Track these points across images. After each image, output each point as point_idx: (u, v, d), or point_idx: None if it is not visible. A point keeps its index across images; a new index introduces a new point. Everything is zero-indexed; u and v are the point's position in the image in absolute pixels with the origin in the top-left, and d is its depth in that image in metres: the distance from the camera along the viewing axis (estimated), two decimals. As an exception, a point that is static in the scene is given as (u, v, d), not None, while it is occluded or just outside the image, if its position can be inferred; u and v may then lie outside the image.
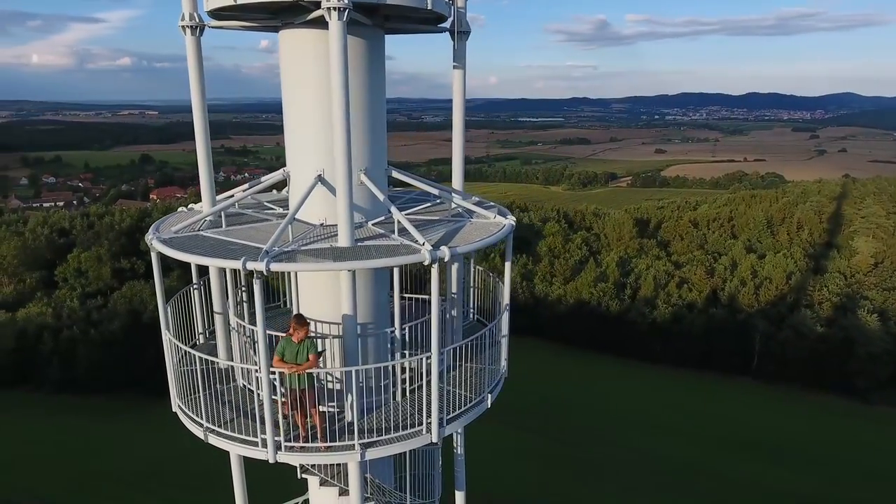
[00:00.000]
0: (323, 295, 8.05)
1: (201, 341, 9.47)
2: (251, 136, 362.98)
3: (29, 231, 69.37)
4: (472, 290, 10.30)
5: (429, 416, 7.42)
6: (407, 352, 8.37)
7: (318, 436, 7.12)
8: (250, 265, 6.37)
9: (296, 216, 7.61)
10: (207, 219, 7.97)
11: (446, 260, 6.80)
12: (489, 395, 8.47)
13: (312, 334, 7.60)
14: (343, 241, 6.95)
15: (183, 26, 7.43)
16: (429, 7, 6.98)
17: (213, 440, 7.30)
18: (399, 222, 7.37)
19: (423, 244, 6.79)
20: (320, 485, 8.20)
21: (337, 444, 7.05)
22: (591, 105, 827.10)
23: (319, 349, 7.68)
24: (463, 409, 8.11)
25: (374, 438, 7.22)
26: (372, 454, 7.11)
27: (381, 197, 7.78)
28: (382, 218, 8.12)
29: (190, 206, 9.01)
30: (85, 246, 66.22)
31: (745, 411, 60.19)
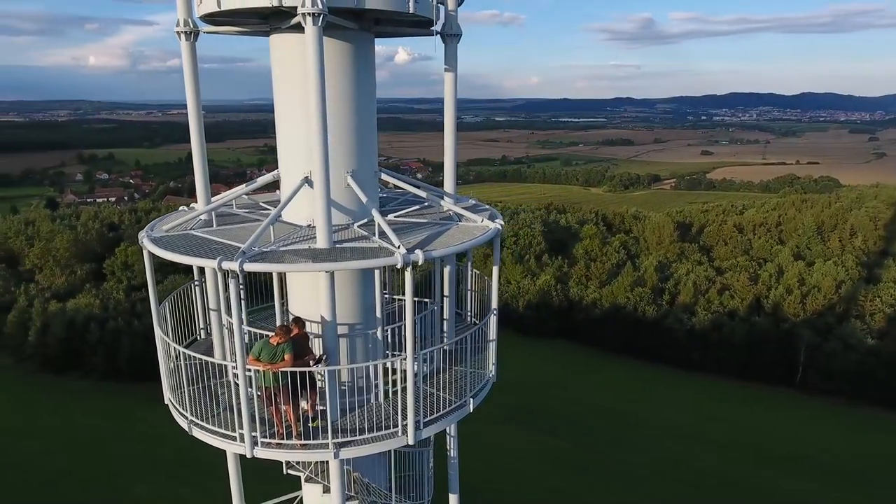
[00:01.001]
0: (311, 295, 8.18)
1: (203, 336, 9.75)
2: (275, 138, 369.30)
3: (81, 225, 72.79)
4: (469, 293, 10.24)
5: (415, 416, 7.42)
6: (389, 353, 8.42)
7: (293, 433, 7.23)
8: (225, 265, 6.52)
9: (284, 218, 7.76)
10: (202, 217, 8.20)
11: (420, 263, 6.80)
12: (471, 400, 8.37)
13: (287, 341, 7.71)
14: (321, 242, 7.04)
15: (178, 32, 7.67)
16: (410, 11, 7.00)
17: (197, 433, 7.52)
18: (379, 225, 7.42)
19: (399, 247, 6.81)
20: (305, 481, 8.33)
21: (311, 441, 7.15)
22: (634, 105, 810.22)
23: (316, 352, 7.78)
24: (442, 412, 8.08)
25: (349, 438, 7.28)
26: (346, 453, 7.17)
27: (363, 199, 7.83)
28: (367, 220, 8.18)
29: (192, 205, 9.27)
30: (132, 240, 69.05)
31: (785, 423, 57.86)
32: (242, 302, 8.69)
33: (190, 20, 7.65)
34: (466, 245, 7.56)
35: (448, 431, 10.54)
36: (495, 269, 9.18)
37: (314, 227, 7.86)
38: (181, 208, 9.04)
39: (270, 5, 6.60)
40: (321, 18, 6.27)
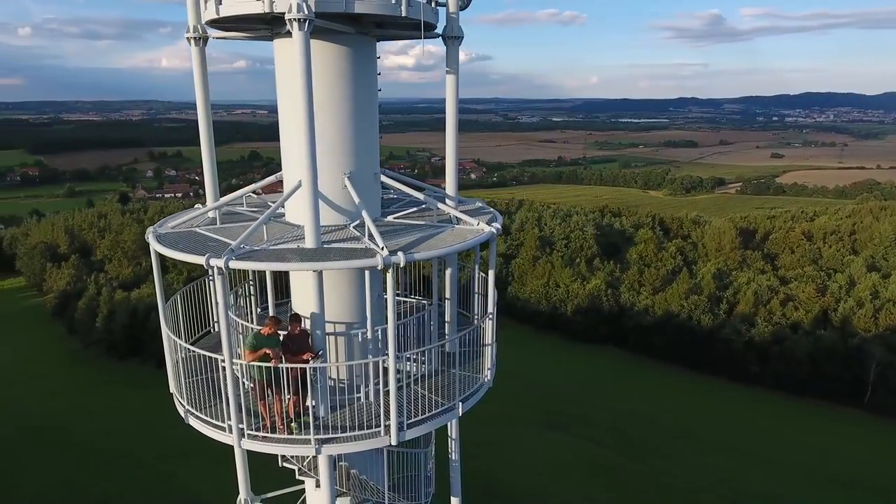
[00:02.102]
0: (312, 293, 8.31)
1: (215, 329, 10.10)
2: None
3: (148, 219, 77.10)
4: (475, 296, 10.14)
5: (398, 417, 7.43)
6: (377, 352, 8.44)
7: (278, 427, 7.39)
8: (213, 261, 6.73)
9: (287, 218, 7.93)
10: (209, 216, 8.51)
11: (402, 265, 6.79)
12: (460, 404, 8.28)
13: (278, 332, 7.88)
14: (309, 242, 7.15)
15: (188, 38, 7.97)
16: (403, 14, 7.01)
17: (192, 422, 7.82)
18: (368, 227, 7.46)
19: (382, 248, 6.83)
20: (298, 475, 8.50)
21: (294, 436, 7.27)
22: (700, 105, 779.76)
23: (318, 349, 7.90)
24: (428, 414, 8.05)
25: (331, 435, 7.37)
26: (329, 450, 7.26)
27: (358, 201, 7.89)
28: (358, 221, 8.24)
29: (196, 205, 9.64)
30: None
31: (847, 445, 54.25)
32: (253, 298, 8.90)
33: (199, 26, 7.95)
34: (452, 248, 7.50)
35: (449, 434, 10.50)
36: (491, 273, 9.05)
37: (311, 226, 7.99)
38: (196, 206, 9.42)
39: (262, 11, 6.78)
40: (307, 24, 6.37)
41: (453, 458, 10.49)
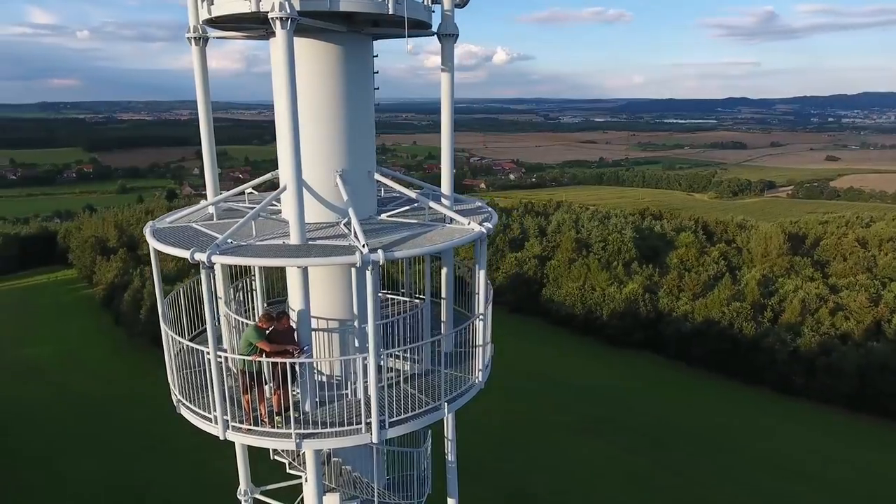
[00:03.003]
0: (297, 289, 8.37)
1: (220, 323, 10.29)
2: (391, 135, 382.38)
3: (191, 216, 79.47)
4: (476, 296, 10.02)
5: (379, 415, 7.41)
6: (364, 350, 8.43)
7: (260, 419, 7.49)
8: (197, 256, 6.85)
9: (281, 214, 8.00)
10: (209, 211, 8.67)
11: (381, 263, 6.75)
12: (446, 405, 8.19)
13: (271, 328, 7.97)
14: (294, 238, 7.19)
15: (189, 38, 8.13)
16: (390, 12, 6.98)
17: (183, 411, 8.02)
18: (353, 225, 7.45)
19: (363, 246, 6.81)
20: (288, 468, 8.58)
21: (276, 430, 7.35)
22: (750, 105, 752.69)
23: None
24: (411, 413, 8.00)
25: (313, 430, 7.40)
26: (310, 444, 7.31)
27: (345, 198, 7.89)
28: (348, 219, 8.24)
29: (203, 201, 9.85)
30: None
31: (901, 466, 51.29)
32: (256, 292, 8.99)
33: (199, 27, 8.11)
34: (434, 247, 7.43)
35: (445, 434, 10.43)
36: (482, 273, 8.90)
37: (305, 223, 8.03)
38: (203, 203, 9.64)
39: (249, 10, 6.85)
40: (289, 22, 6.40)
41: (449, 458, 10.40)
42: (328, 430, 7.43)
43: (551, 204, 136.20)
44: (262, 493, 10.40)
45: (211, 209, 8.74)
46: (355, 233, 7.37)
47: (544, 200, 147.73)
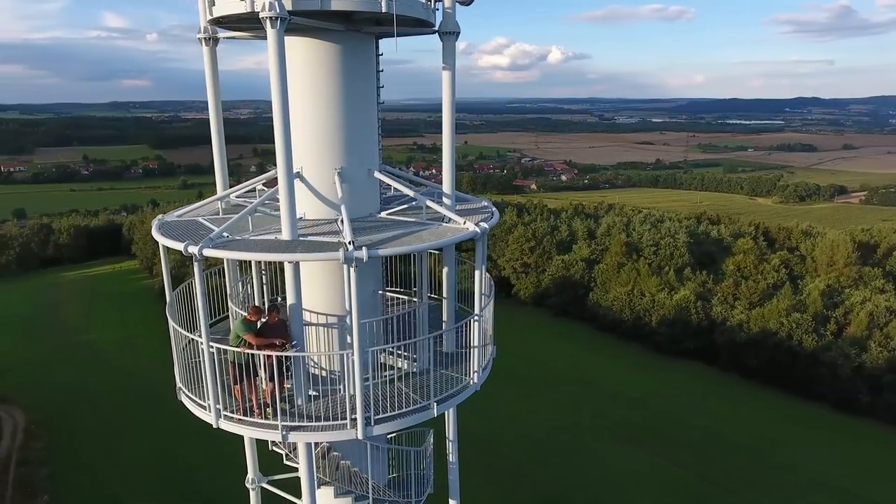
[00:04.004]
0: (306, 285, 8.50)
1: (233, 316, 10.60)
2: (440, 135, 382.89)
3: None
4: (482, 296, 9.89)
5: (365, 411, 7.44)
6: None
7: (252, 410, 7.64)
8: (191, 248, 7.05)
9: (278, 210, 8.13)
10: (218, 206, 8.93)
11: (365, 261, 6.75)
12: (435, 405, 8.13)
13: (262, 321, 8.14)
14: (285, 234, 7.30)
15: (199, 38, 8.39)
16: (383, 10, 6.98)
17: (183, 398, 8.31)
18: (343, 221, 7.49)
19: (350, 243, 6.84)
20: (285, 459, 8.73)
21: (264, 421, 7.48)
22: (821, 106, 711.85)
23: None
24: (397, 411, 7.99)
25: (299, 423, 7.50)
26: (295, 437, 7.41)
27: (338, 195, 7.94)
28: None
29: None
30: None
31: (977, 496, 47.31)
32: (254, 286, 9.14)
33: (209, 27, 8.35)
34: (422, 246, 7.38)
35: (447, 436, 10.34)
36: (477, 273, 8.76)
37: (305, 220, 8.17)
38: (211, 197, 9.95)
39: (245, 11, 7.00)
40: (279, 21, 6.50)
41: (451, 459, 10.32)
42: (314, 423, 7.56)
43: (602, 206, 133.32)
44: (270, 482, 10.65)
45: (217, 204, 9.03)
46: (344, 230, 7.43)
47: (595, 202, 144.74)
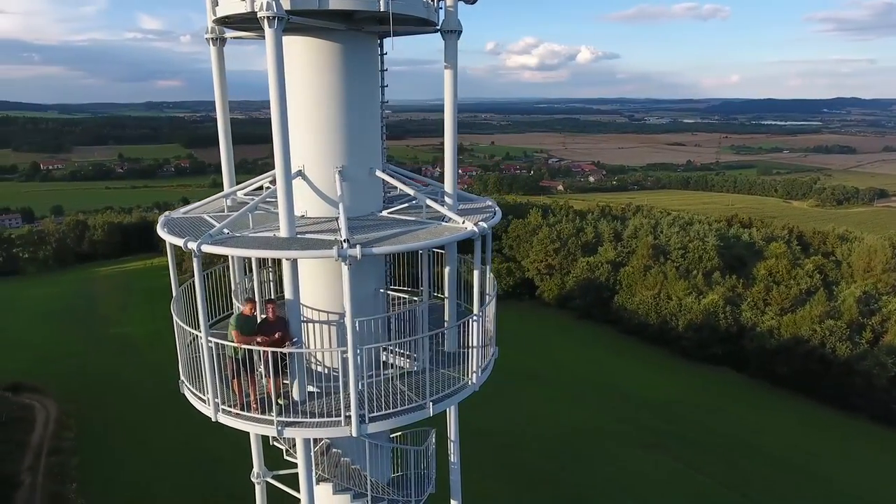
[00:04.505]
0: (309, 282, 8.57)
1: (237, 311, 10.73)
2: (469, 135, 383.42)
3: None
4: (487, 296, 9.84)
5: (360, 409, 7.48)
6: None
7: (251, 405, 7.74)
8: (190, 244, 7.18)
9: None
10: (223, 203, 9.08)
11: (359, 258, 6.77)
12: (431, 404, 8.11)
13: (256, 314, 8.22)
14: (283, 231, 7.38)
15: (207, 38, 8.54)
16: (381, 9, 6.99)
17: (184, 391, 8.48)
18: (340, 220, 7.53)
19: (345, 241, 6.88)
20: (285, 455, 8.81)
21: (260, 416, 7.57)
22: (862, 106, 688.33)
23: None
24: (391, 410, 7.99)
25: (294, 419, 7.56)
26: (290, 433, 7.49)
27: (338, 194, 7.98)
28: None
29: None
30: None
31: None
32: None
33: (216, 28, 8.49)
34: (417, 245, 7.38)
35: (449, 436, 10.31)
36: (477, 273, 8.70)
37: (307, 217, 8.24)
38: (217, 195, 10.13)
39: (246, 11, 7.09)
40: (276, 21, 6.58)
41: (452, 460, 10.29)
42: (309, 419, 7.63)
43: (630, 208, 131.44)
44: (275, 477, 10.79)
45: (222, 202, 9.19)
46: (340, 228, 7.49)
47: (623, 204, 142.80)
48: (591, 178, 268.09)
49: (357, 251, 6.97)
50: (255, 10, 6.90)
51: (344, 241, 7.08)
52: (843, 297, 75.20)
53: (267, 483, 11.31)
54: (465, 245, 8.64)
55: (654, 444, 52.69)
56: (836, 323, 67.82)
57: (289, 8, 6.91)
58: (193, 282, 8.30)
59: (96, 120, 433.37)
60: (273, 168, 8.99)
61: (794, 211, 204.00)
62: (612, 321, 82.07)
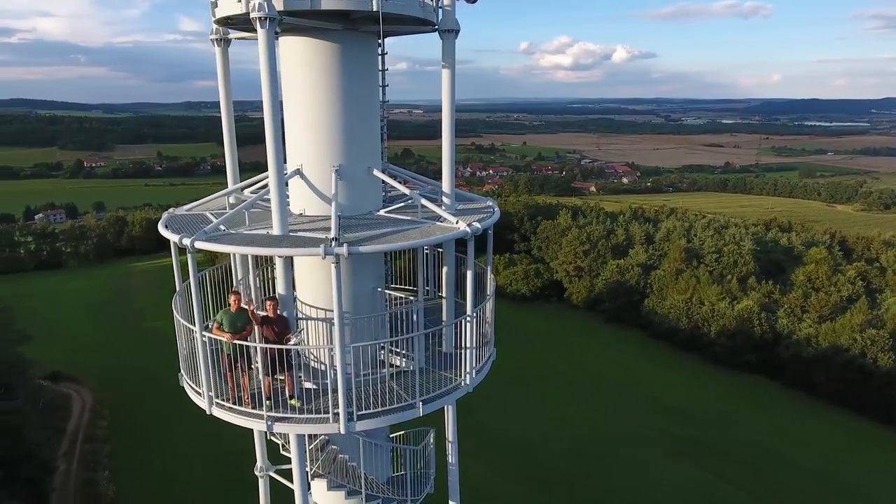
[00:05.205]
0: (308, 280, 8.64)
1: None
2: (500, 135, 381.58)
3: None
4: (488, 298, 9.73)
5: (346, 406, 7.51)
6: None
7: (244, 399, 7.83)
8: (185, 241, 7.31)
9: (289, 207, 8.30)
10: (226, 200, 9.23)
11: (346, 256, 6.78)
12: (420, 404, 8.06)
13: (245, 307, 8.30)
14: (276, 229, 7.44)
15: (211, 39, 8.69)
16: (374, 9, 6.99)
17: (183, 383, 8.67)
18: (332, 218, 7.55)
19: (334, 239, 6.90)
20: (281, 450, 8.90)
21: (250, 410, 7.65)
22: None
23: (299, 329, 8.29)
24: (380, 408, 7.98)
25: (283, 414, 7.64)
26: (279, 428, 7.57)
27: (331, 192, 8.01)
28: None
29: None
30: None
31: None
32: (250, 280, 9.36)
33: (221, 29, 8.63)
34: (406, 244, 7.37)
35: (447, 437, 10.24)
36: (469, 274, 8.61)
37: (305, 215, 8.30)
38: (219, 192, 10.31)
39: (241, 12, 7.18)
40: (268, 22, 6.64)
41: (451, 460, 10.22)
42: (298, 415, 7.71)
43: (663, 210, 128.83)
44: (277, 471, 10.93)
45: (224, 199, 9.35)
46: (332, 226, 7.51)
47: (656, 206, 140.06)
48: (625, 180, 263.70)
49: (344, 249, 6.99)
50: (248, 11, 7.00)
51: (333, 239, 7.12)
52: (886, 306, 72.12)
53: (270, 477, 11.48)
54: (472, 245, 8.58)
55: (681, 452, 51.49)
56: (878, 332, 64.99)
57: (281, 8, 7.00)
58: (204, 276, 8.44)
59: (137, 119, 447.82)
60: (280, 166, 9.10)
61: (838, 215, 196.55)
62: (642, 325, 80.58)
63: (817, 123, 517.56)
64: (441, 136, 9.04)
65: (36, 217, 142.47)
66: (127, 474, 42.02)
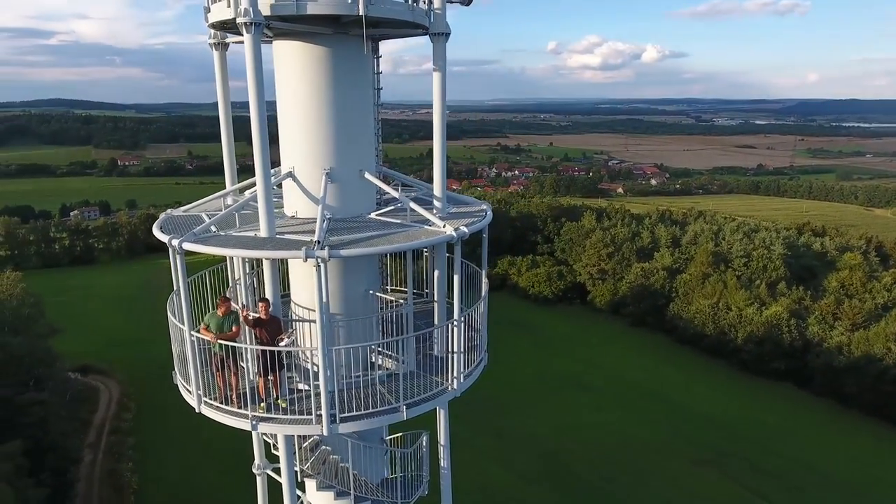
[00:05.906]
0: (302, 282, 8.68)
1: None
2: (526, 136, 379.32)
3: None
4: (480, 301, 9.65)
5: (329, 408, 7.52)
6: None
7: (232, 399, 7.91)
8: (174, 242, 7.41)
9: (283, 209, 8.35)
10: (223, 202, 9.34)
11: (328, 260, 6.78)
12: (405, 408, 8.01)
13: (236, 309, 8.38)
14: (263, 231, 7.48)
15: (210, 43, 8.80)
16: (360, 13, 6.97)
17: (177, 381, 8.83)
18: (317, 221, 7.56)
19: (317, 242, 6.91)
20: (272, 449, 8.96)
21: (237, 410, 7.72)
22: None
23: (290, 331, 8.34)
24: (364, 411, 7.96)
25: (267, 415, 7.68)
26: (264, 428, 7.62)
27: (319, 195, 8.01)
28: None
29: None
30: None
31: None
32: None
33: (218, 33, 8.75)
34: (390, 248, 7.34)
35: (439, 440, 10.16)
36: (456, 279, 8.51)
37: (297, 217, 8.34)
38: (216, 194, 10.44)
39: (230, 17, 7.24)
40: (253, 27, 6.68)
41: (443, 464, 10.15)
42: (282, 416, 7.77)
43: (691, 213, 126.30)
44: (275, 469, 11.02)
45: (221, 201, 9.46)
46: (316, 229, 7.53)
47: (684, 209, 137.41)
48: (654, 182, 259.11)
49: (325, 253, 7.01)
50: (235, 16, 7.06)
51: (315, 242, 7.14)
52: (925, 314, 69.50)
53: (268, 475, 11.61)
54: (472, 247, 8.49)
55: (707, 461, 50.40)
56: (915, 342, 62.76)
57: (268, 13, 7.06)
58: (204, 278, 8.55)
59: (169, 119, 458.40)
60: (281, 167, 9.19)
61: (876, 220, 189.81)
62: (667, 330, 79.18)
63: (856, 125, 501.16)
64: (433, 139, 8.99)
65: (71, 214, 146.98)
66: (150, 466, 43.02)
